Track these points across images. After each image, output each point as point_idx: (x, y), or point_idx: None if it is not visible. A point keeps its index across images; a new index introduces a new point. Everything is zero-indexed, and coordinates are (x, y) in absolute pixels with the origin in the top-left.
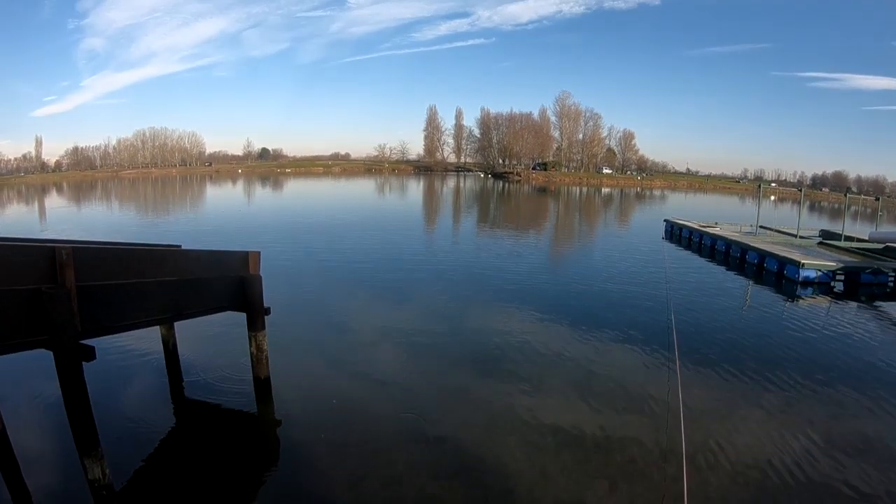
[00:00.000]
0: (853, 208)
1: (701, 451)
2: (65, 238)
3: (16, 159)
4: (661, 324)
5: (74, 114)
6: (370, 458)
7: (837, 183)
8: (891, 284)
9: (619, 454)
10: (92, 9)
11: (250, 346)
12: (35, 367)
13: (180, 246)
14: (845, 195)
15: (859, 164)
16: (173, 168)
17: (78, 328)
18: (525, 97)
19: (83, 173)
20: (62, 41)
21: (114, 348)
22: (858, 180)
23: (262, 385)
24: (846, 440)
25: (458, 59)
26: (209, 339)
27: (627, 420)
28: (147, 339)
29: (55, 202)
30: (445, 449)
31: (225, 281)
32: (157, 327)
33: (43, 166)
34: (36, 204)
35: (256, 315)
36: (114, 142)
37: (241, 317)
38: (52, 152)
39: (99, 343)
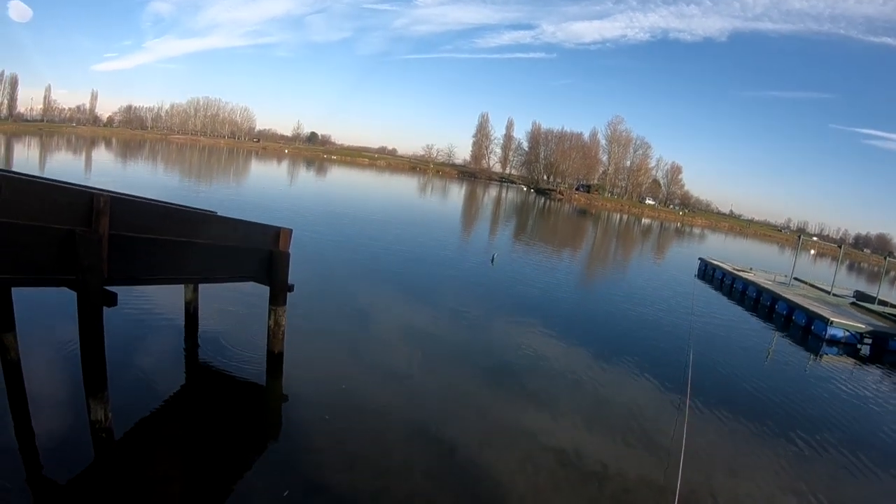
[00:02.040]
0: (892, 273)
1: (696, 495)
2: (105, 188)
3: (70, 109)
4: (679, 361)
5: (132, 73)
6: (368, 447)
7: (880, 245)
8: None
9: (614, 484)
10: None
11: (269, 319)
12: (57, 306)
13: (216, 212)
14: (885, 258)
15: None
16: (221, 139)
17: (104, 274)
18: (577, 116)
19: (133, 132)
20: (130, 1)
21: (138, 303)
22: None
23: (275, 359)
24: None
25: (516, 69)
26: (230, 307)
27: (629, 451)
28: (171, 299)
29: (102, 156)
30: (443, 450)
31: (254, 253)
32: (182, 289)
33: (95, 119)
34: (83, 154)
35: (280, 290)
36: (167, 105)
37: (264, 290)
38: (106, 107)
39: (124, 296)
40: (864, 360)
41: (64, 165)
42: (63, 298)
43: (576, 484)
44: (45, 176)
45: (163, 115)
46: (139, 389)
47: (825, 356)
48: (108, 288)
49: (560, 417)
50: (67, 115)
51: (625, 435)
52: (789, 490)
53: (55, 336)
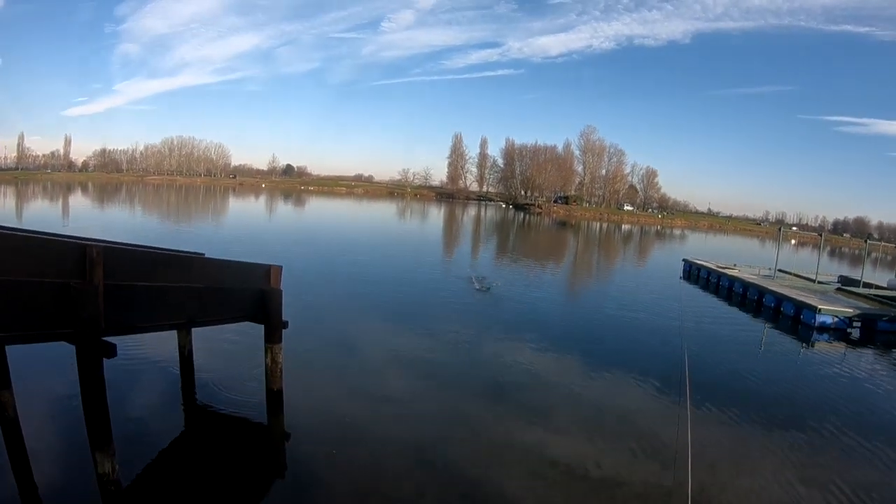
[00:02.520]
0: (873, 255)
1: (707, 492)
2: (88, 236)
3: (44, 156)
4: (674, 362)
5: (104, 116)
6: (376, 479)
7: (859, 229)
8: None
9: (624, 490)
10: (130, 14)
11: (266, 357)
12: (51, 361)
13: (203, 254)
14: (865, 241)
15: (882, 211)
16: (198, 177)
17: (102, 325)
18: (550, 130)
19: (109, 175)
20: (98, 44)
21: (131, 349)
22: (880, 226)
23: (275, 397)
24: (854, 489)
25: (486, 88)
26: (225, 348)
27: (634, 457)
28: (164, 344)
29: (80, 201)
30: (451, 475)
31: (246, 292)
32: (175, 333)
33: (70, 165)
34: (60, 201)
35: (274, 328)
36: (141, 147)
37: (257, 328)
38: (80, 152)
39: (118, 342)
40: (855, 344)
41: (43, 214)
42: (56, 351)
43: (587, 494)
44: (25, 227)
45: (137, 156)
46: (140, 438)
47: (817, 343)
48: (105, 339)
49: (561, 430)
50: (42, 161)
51: (628, 440)
52: (798, 478)
53: (51, 390)
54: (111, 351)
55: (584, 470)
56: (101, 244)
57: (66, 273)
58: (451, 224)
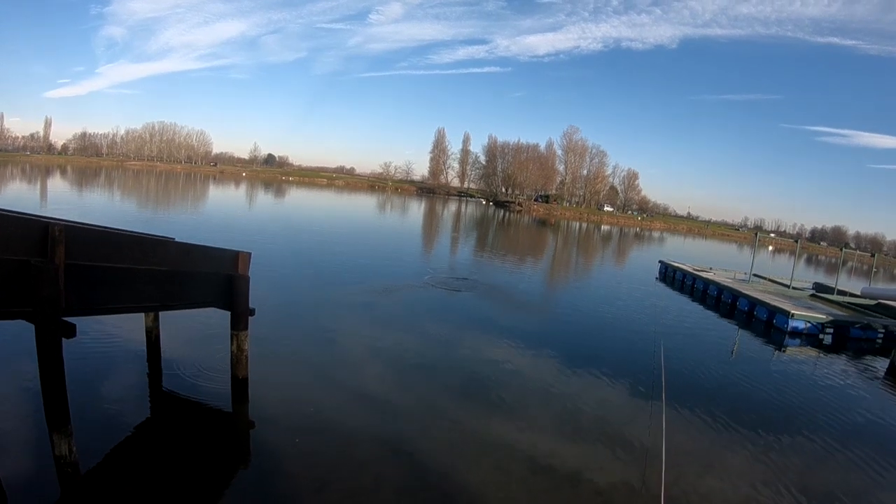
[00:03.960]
0: (849, 264)
1: (674, 492)
2: (59, 217)
3: (23, 137)
4: (647, 362)
5: (86, 99)
6: (339, 468)
7: (836, 238)
8: (880, 341)
9: (589, 487)
10: None
11: (231, 344)
12: (11, 340)
13: (173, 238)
14: (842, 249)
15: (859, 221)
16: (178, 164)
17: (62, 304)
18: (533, 128)
19: (88, 159)
20: (83, 26)
21: (97, 333)
22: (857, 236)
23: (240, 385)
24: (820, 492)
25: (471, 84)
26: (193, 334)
27: (603, 455)
28: (131, 328)
29: (57, 184)
30: (414, 465)
31: (213, 278)
32: (143, 317)
33: (49, 147)
34: (38, 184)
35: (240, 314)
36: (122, 131)
37: (227, 315)
38: (60, 135)
39: (83, 326)
40: (826, 350)
41: (19, 195)
42: (16, 330)
43: (551, 490)
44: None
45: (118, 141)
46: (103, 422)
47: (789, 348)
48: (66, 319)
49: (531, 426)
50: (21, 143)
51: (598, 438)
52: (767, 480)
53: (11, 369)
54: (71, 331)
55: (551, 466)
56: (63, 223)
57: (27, 251)
58: (430, 219)
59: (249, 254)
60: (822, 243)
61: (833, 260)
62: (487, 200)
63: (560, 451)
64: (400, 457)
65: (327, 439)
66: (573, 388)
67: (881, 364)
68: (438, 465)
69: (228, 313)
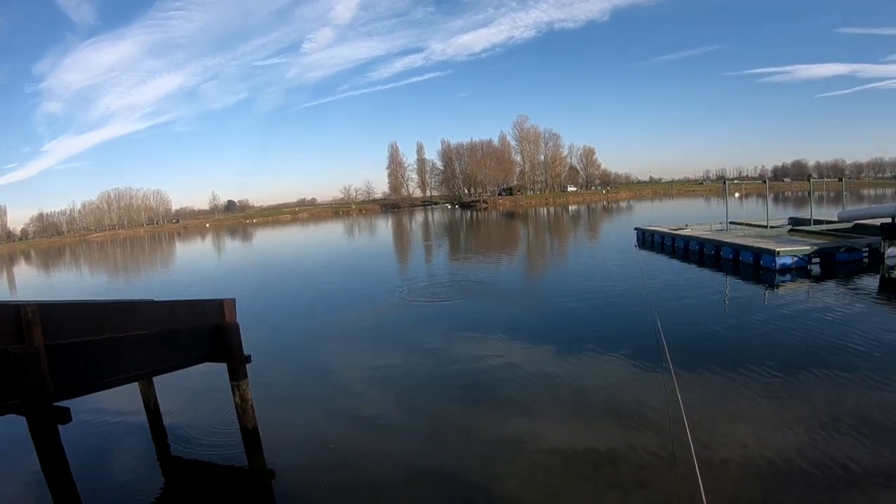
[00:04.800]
0: (817, 193)
1: (708, 449)
2: (30, 299)
3: None
4: (645, 330)
5: (38, 180)
6: (375, 499)
7: (798, 172)
8: (865, 260)
9: (626, 463)
10: (48, 72)
11: (234, 396)
12: (10, 431)
13: (152, 299)
14: (809, 181)
15: (817, 152)
16: (141, 228)
17: (50, 389)
18: (485, 125)
19: (50, 240)
20: (20, 106)
21: (92, 409)
22: (818, 166)
23: (251, 436)
24: (844, 418)
25: (416, 94)
26: (191, 392)
27: (627, 429)
28: (127, 398)
29: (23, 271)
30: (451, 481)
31: (201, 331)
32: (137, 385)
33: (9, 235)
34: (3, 273)
35: (237, 364)
36: (79, 205)
37: (222, 367)
38: (18, 220)
39: (76, 405)
40: (817, 279)
41: None
42: (12, 419)
43: (590, 475)
44: None
45: (76, 216)
46: (117, 501)
47: (781, 285)
48: (57, 404)
49: (551, 418)
50: None
51: (619, 416)
52: (793, 417)
53: (12, 461)
54: (65, 416)
55: (583, 451)
56: (34, 303)
57: (1, 339)
58: (399, 233)
59: (234, 300)
60: (785, 179)
61: (799, 193)
62: (452, 204)
63: (586, 436)
64: (433, 475)
65: (351, 475)
66: (577, 370)
67: (871, 282)
68: (474, 476)
69: (224, 365)
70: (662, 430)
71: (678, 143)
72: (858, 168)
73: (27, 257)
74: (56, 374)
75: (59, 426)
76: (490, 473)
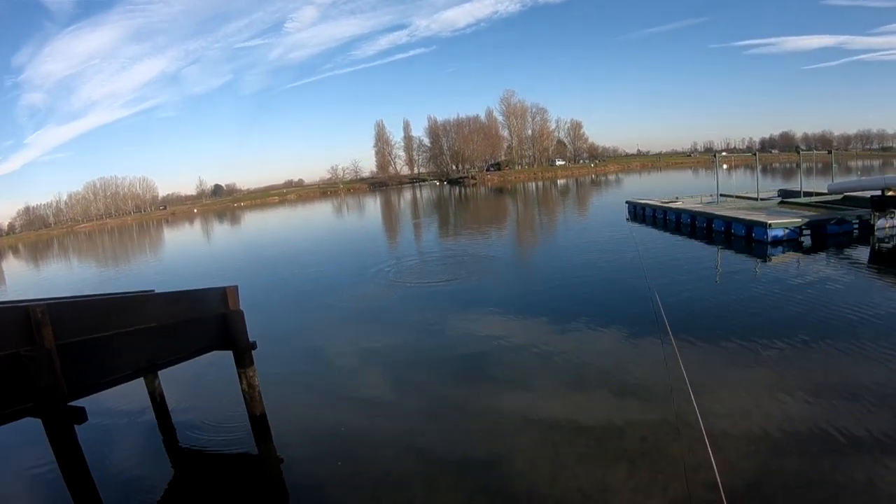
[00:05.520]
0: (805, 165)
1: (712, 419)
2: (34, 298)
3: None
4: (641, 303)
5: (22, 173)
6: (384, 483)
7: (786, 143)
8: (856, 231)
9: (632, 435)
10: (27, 63)
11: (241, 383)
12: (22, 432)
13: (153, 291)
14: (797, 153)
15: (804, 123)
16: (128, 216)
17: (64, 390)
18: (472, 101)
19: (37, 232)
20: (0, 98)
21: (98, 406)
22: (806, 138)
23: (259, 423)
24: (843, 385)
25: (401, 71)
26: (197, 382)
27: (631, 402)
28: (132, 393)
29: (13, 266)
30: (459, 460)
31: (206, 320)
32: (142, 380)
33: None
34: None
35: (243, 351)
36: (65, 197)
37: (227, 355)
38: (4, 214)
39: (84, 402)
40: (808, 251)
41: None
42: (22, 424)
43: (596, 448)
44: None
45: (63, 207)
46: (132, 495)
47: (773, 257)
48: (71, 404)
49: (555, 393)
50: None
51: (622, 388)
52: (794, 385)
53: (27, 463)
54: (81, 416)
55: (588, 424)
56: (43, 303)
57: (13, 342)
58: (388, 212)
59: (236, 287)
60: (773, 151)
61: (787, 165)
62: (441, 181)
63: (589, 409)
64: (442, 456)
65: (360, 458)
66: (576, 345)
67: (862, 253)
68: (483, 454)
69: (230, 353)
70: (665, 402)
71: (665, 115)
72: (846, 140)
73: (15, 251)
74: (68, 374)
75: (75, 426)
76: (498, 450)
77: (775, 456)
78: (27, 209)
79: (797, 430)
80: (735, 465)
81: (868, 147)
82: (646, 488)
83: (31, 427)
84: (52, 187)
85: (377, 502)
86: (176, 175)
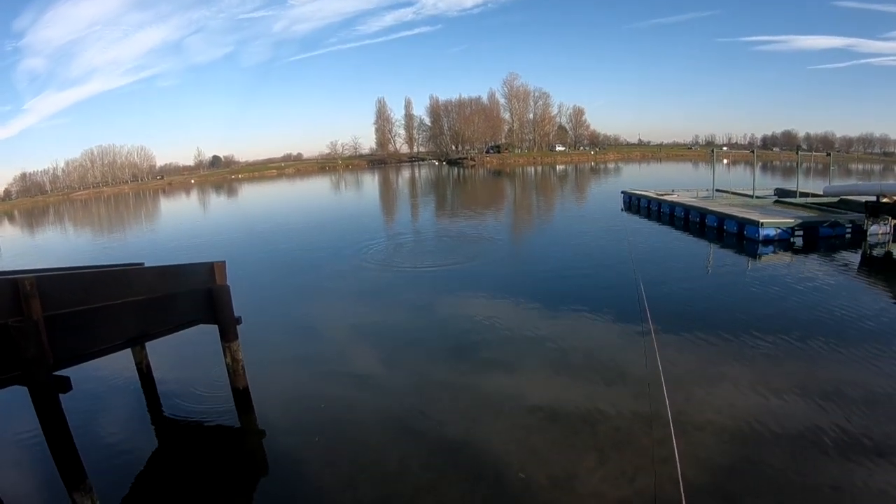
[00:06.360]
0: (805, 165)
1: (685, 413)
2: (24, 268)
3: None
4: (629, 295)
5: (20, 139)
6: (360, 458)
7: (787, 142)
8: (848, 235)
9: (605, 424)
10: (28, 27)
11: (225, 357)
12: (7, 403)
13: (143, 264)
14: (797, 152)
15: (807, 123)
16: (125, 185)
17: (50, 360)
18: (474, 82)
19: (33, 199)
20: (0, 63)
21: (86, 376)
22: (808, 138)
23: (242, 396)
24: (819, 387)
25: (405, 49)
26: (182, 355)
27: (608, 391)
28: (119, 364)
29: (8, 232)
30: (434, 439)
31: (193, 294)
32: (129, 350)
33: None
34: None
35: (228, 326)
36: (62, 164)
37: (213, 329)
38: (0, 180)
39: (71, 372)
40: (799, 252)
41: None
42: (10, 390)
43: (569, 435)
44: None
45: (59, 174)
46: (115, 464)
47: (763, 256)
48: (57, 374)
49: (535, 378)
50: None
51: (601, 378)
52: (769, 387)
53: (12, 432)
54: (66, 385)
55: (564, 412)
56: (31, 275)
57: (1, 313)
58: (386, 189)
59: (224, 262)
60: (774, 149)
61: (788, 164)
62: (440, 161)
63: (567, 396)
64: (419, 434)
65: (340, 433)
66: (561, 332)
67: (854, 257)
68: (458, 434)
69: (216, 327)
70: (641, 393)
71: (668, 106)
72: (848, 142)
73: (10, 218)
74: (55, 345)
75: (59, 395)
76: (474, 433)
77: (745, 453)
78: (24, 175)
79: (770, 429)
80: (703, 461)
81: (870, 151)
82: (613, 478)
83: (19, 394)
84: (49, 154)
85: (352, 476)
86: (174, 145)
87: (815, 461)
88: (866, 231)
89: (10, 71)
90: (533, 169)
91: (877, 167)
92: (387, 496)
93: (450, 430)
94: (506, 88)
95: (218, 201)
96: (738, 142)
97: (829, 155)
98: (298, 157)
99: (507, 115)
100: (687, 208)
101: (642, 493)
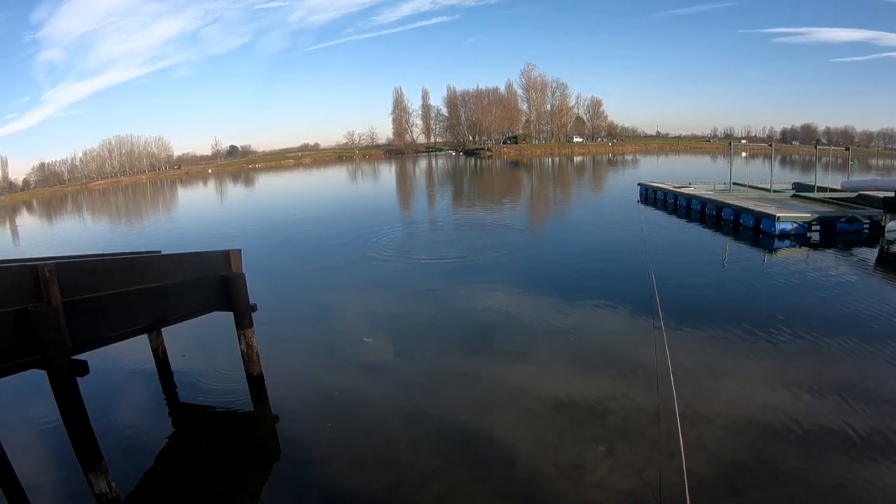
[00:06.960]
0: (824, 159)
1: (694, 407)
2: (44, 255)
3: None
4: (643, 287)
5: (38, 129)
6: (370, 444)
7: (807, 136)
8: (866, 231)
9: (614, 416)
10: (46, 19)
11: (240, 344)
12: (26, 387)
13: (160, 251)
14: (815, 147)
15: (827, 117)
16: (142, 175)
17: (69, 344)
18: (492, 72)
19: (52, 189)
20: (18, 55)
21: (103, 361)
22: (828, 132)
23: (256, 382)
24: (833, 383)
25: (422, 39)
26: (198, 341)
27: (618, 383)
28: (136, 349)
29: (27, 221)
30: (444, 426)
31: (208, 282)
32: (146, 336)
33: (10, 186)
34: (7, 225)
35: (243, 313)
36: (80, 154)
37: (229, 316)
38: (19, 170)
39: (89, 356)
40: (815, 247)
41: None
42: (29, 373)
43: (578, 426)
44: None
45: (77, 164)
46: (131, 448)
47: (779, 251)
48: (75, 358)
49: (547, 368)
50: None
51: (611, 369)
52: (780, 382)
53: (33, 417)
54: (83, 369)
55: (573, 402)
56: (51, 262)
57: (22, 298)
58: (403, 179)
59: (239, 251)
60: (794, 143)
61: (807, 158)
62: (457, 151)
63: (578, 387)
64: (430, 422)
65: (351, 420)
66: (573, 323)
67: (870, 254)
68: (468, 422)
69: (231, 314)
70: (651, 386)
71: (687, 98)
72: (868, 136)
73: (29, 207)
74: (73, 329)
75: (77, 378)
76: (485, 421)
77: (753, 447)
78: (42, 165)
79: (780, 424)
80: (711, 454)
81: (890, 146)
82: (620, 469)
83: (38, 377)
84: (67, 144)
85: (362, 462)
86: (191, 135)
87: (825, 458)
88: (884, 227)
89: (28, 62)
90: (550, 160)
91: None
92: (397, 481)
93: (460, 417)
94: (523, 79)
95: (235, 191)
96: (757, 135)
97: (847, 149)
98: (315, 147)
99: (524, 106)
100: (703, 201)
101: (649, 484)
